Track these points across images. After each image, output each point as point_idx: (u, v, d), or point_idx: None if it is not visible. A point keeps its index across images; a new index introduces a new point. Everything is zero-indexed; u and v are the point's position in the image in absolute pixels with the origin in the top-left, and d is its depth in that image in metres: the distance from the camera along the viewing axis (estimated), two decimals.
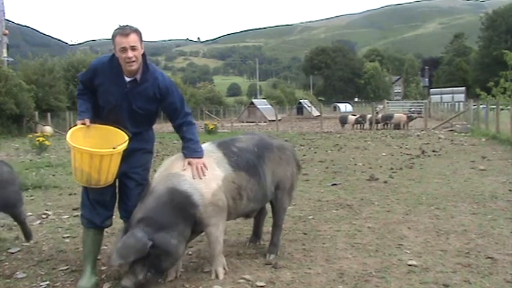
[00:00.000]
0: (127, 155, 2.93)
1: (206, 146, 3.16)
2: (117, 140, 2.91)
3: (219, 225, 2.95)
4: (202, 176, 2.88)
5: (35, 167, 9.12)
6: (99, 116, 3.04)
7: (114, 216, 3.10)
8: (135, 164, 3.02)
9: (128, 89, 2.94)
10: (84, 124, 2.94)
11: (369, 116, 22.00)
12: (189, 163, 2.93)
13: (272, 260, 3.31)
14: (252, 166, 3.13)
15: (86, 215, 3.02)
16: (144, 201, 2.83)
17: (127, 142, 2.89)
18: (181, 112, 3.07)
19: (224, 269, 3.07)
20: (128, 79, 2.94)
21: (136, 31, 2.88)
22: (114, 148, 2.82)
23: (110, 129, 2.97)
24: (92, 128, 2.96)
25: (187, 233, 2.85)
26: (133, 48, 2.82)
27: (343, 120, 22.66)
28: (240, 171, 3.04)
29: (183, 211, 2.79)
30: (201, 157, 2.97)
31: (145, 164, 3.10)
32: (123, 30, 2.85)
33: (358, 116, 22.52)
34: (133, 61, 2.84)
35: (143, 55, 2.93)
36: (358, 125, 21.64)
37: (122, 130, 2.95)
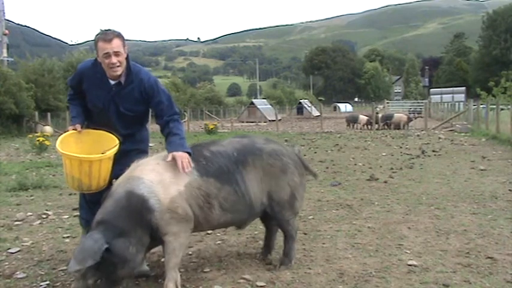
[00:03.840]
0: (121, 156, 2.93)
1: None
2: (109, 144, 2.90)
3: (178, 236, 2.68)
4: (186, 170, 2.69)
5: (35, 167, 9.12)
6: (91, 119, 3.05)
7: None
8: (130, 164, 3.02)
9: (113, 92, 2.93)
10: (75, 130, 2.94)
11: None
12: (173, 157, 2.72)
13: (274, 260, 3.27)
14: (225, 173, 2.84)
15: (83, 216, 3.04)
16: (104, 203, 2.67)
17: (117, 147, 2.88)
18: (170, 110, 2.99)
19: (176, 286, 2.68)
20: (112, 82, 2.93)
21: (119, 36, 2.85)
22: (103, 153, 2.81)
23: (102, 134, 2.97)
24: (83, 133, 2.97)
25: (146, 241, 2.65)
26: (116, 54, 2.80)
27: (353, 120, 22.09)
28: (208, 178, 2.79)
29: (140, 216, 2.60)
30: (187, 152, 2.76)
31: None
32: (106, 36, 2.81)
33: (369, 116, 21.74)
34: (118, 66, 2.83)
35: (126, 58, 2.90)
36: (353, 125, 21.44)
37: (114, 134, 2.95)
